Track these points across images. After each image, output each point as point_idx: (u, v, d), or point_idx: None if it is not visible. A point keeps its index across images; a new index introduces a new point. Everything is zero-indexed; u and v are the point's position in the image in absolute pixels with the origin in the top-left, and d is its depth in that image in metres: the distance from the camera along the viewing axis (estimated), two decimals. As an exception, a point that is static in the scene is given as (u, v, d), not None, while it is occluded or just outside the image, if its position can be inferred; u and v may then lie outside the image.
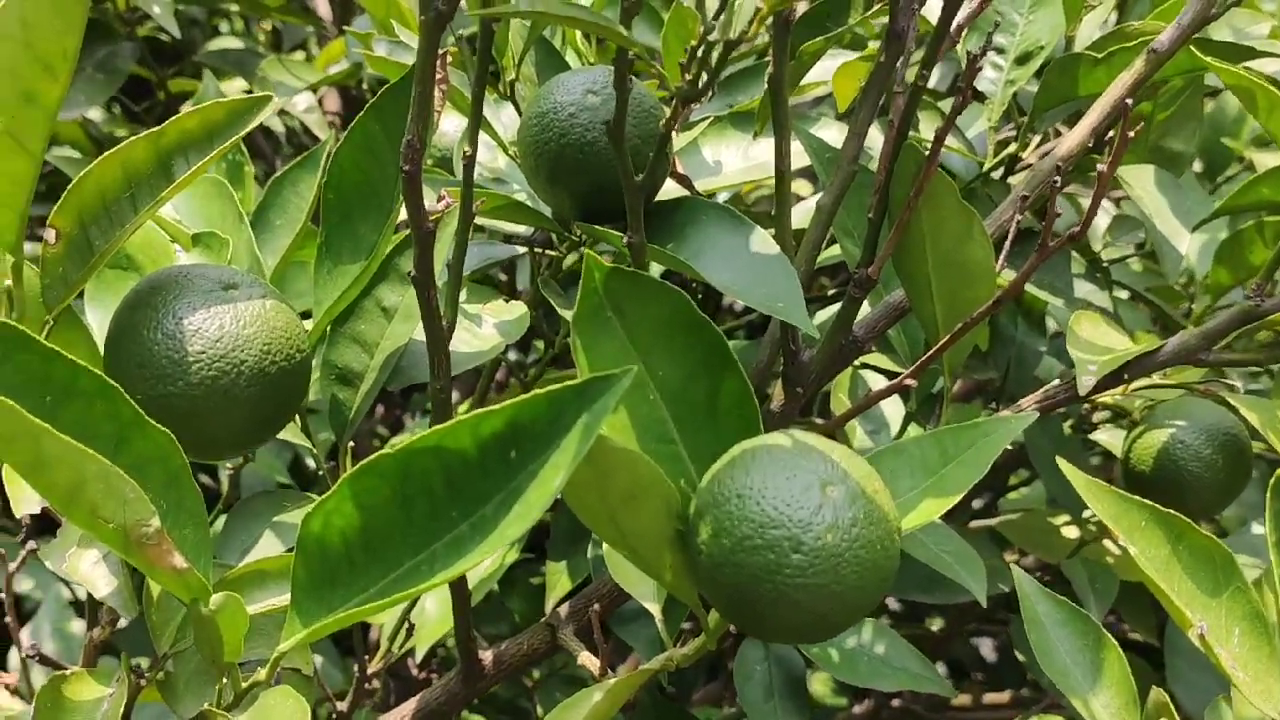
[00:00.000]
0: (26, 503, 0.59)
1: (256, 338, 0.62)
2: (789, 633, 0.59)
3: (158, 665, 0.65)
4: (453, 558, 0.56)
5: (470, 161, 0.68)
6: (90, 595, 0.65)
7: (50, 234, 0.61)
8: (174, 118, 0.61)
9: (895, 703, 1.50)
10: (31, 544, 0.70)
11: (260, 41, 1.64)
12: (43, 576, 1.37)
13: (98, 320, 0.68)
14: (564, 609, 0.88)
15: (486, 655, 0.90)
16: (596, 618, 0.71)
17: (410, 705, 0.93)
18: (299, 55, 1.50)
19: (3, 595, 0.74)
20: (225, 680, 0.61)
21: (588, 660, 0.78)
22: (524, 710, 1.34)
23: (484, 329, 0.79)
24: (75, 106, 1.22)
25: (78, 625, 1.34)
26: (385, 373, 0.77)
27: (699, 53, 0.61)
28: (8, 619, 0.77)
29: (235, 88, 1.50)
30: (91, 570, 0.58)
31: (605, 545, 0.74)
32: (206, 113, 0.62)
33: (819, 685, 1.69)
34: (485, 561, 0.64)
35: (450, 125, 1.03)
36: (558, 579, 1.03)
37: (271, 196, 0.86)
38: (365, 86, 1.43)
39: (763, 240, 0.73)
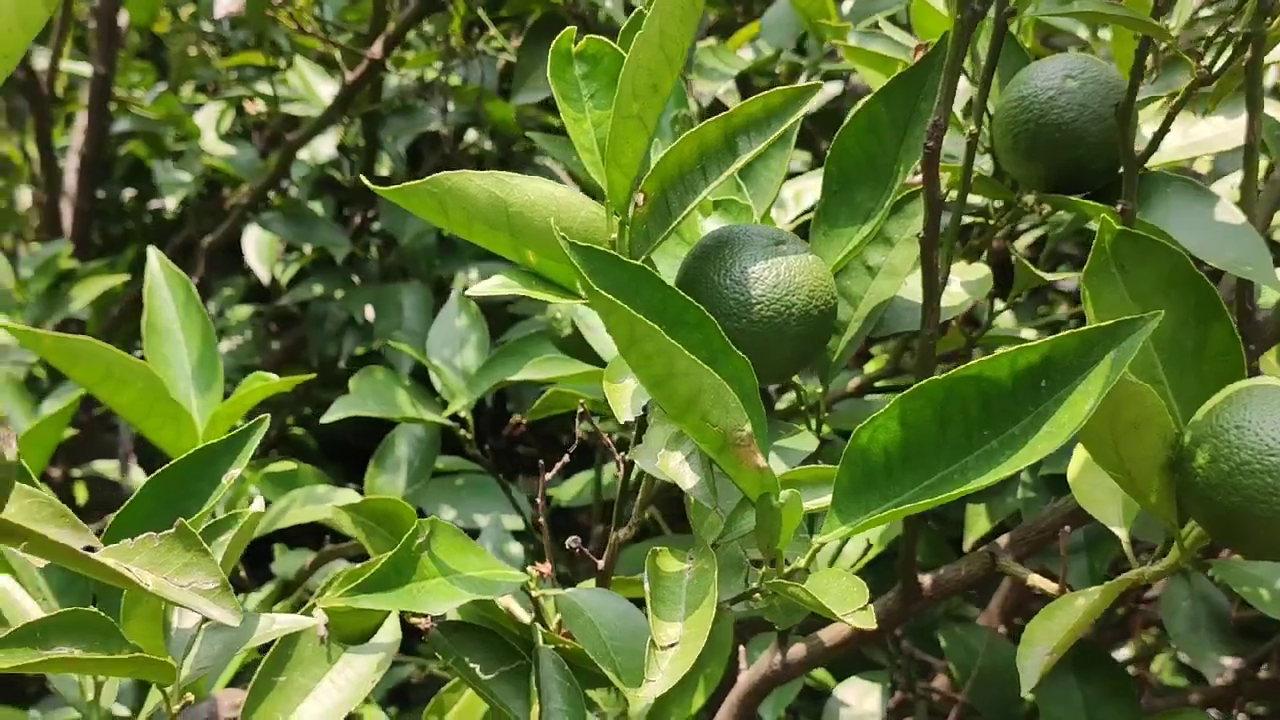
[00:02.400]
0: (628, 410, 0.74)
1: (804, 285, 0.75)
2: (1277, 550, 0.68)
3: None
4: (984, 468, 0.68)
5: (973, 140, 0.79)
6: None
7: (639, 197, 0.76)
8: (742, 103, 0.75)
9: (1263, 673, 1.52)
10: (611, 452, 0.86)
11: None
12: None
13: (664, 268, 0.83)
14: (1003, 540, 0.98)
15: (925, 579, 1.01)
16: (1064, 538, 0.81)
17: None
18: (709, 40, 1.64)
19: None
20: (769, 565, 0.75)
21: (1039, 581, 0.88)
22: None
23: (954, 287, 0.90)
24: (535, 91, 1.40)
25: (515, 547, 1.47)
26: (869, 324, 0.89)
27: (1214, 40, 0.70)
28: (540, 520, 0.94)
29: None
30: (679, 468, 0.73)
31: (1073, 474, 0.84)
32: (768, 99, 0.75)
33: (1156, 665, 1.71)
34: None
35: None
36: (976, 520, 1.14)
37: (744, 171, 1.00)
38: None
39: (1226, 209, 0.81)
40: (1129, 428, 0.68)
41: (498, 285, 0.78)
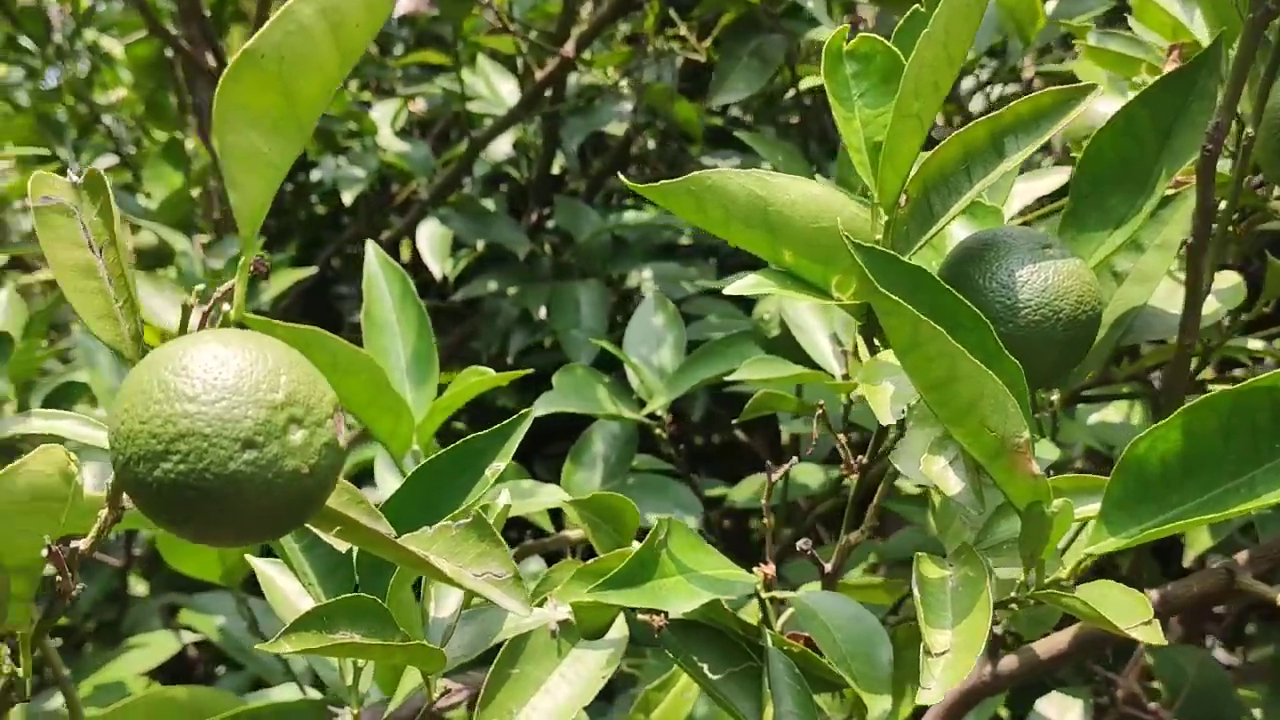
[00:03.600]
0: (888, 413, 0.73)
1: (1072, 290, 0.73)
2: None
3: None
4: (1274, 482, 0.65)
5: (1248, 144, 0.76)
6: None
7: (903, 198, 0.75)
8: (1012, 104, 0.73)
9: None
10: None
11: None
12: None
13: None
14: (1242, 556, 0.95)
15: (1152, 594, 0.98)
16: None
17: (1069, 632, 1.03)
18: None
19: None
20: (1031, 573, 0.74)
21: (1289, 601, 0.85)
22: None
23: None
24: (734, 93, 1.40)
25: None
26: (1117, 331, 0.87)
27: None
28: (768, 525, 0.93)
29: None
30: (943, 472, 0.72)
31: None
32: (1038, 100, 0.73)
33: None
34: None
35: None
36: (1198, 536, 1.10)
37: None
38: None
39: None
40: None
41: (752, 284, 0.78)
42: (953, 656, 0.66)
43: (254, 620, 1.27)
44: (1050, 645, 1.00)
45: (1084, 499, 0.73)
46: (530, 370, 1.09)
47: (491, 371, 1.09)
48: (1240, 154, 0.78)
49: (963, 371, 0.64)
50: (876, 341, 0.80)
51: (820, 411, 0.87)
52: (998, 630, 1.02)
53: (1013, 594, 0.75)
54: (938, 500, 0.82)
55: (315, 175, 2.50)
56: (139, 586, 2.03)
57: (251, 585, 1.17)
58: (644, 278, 1.92)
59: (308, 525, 0.57)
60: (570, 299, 1.81)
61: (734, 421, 1.18)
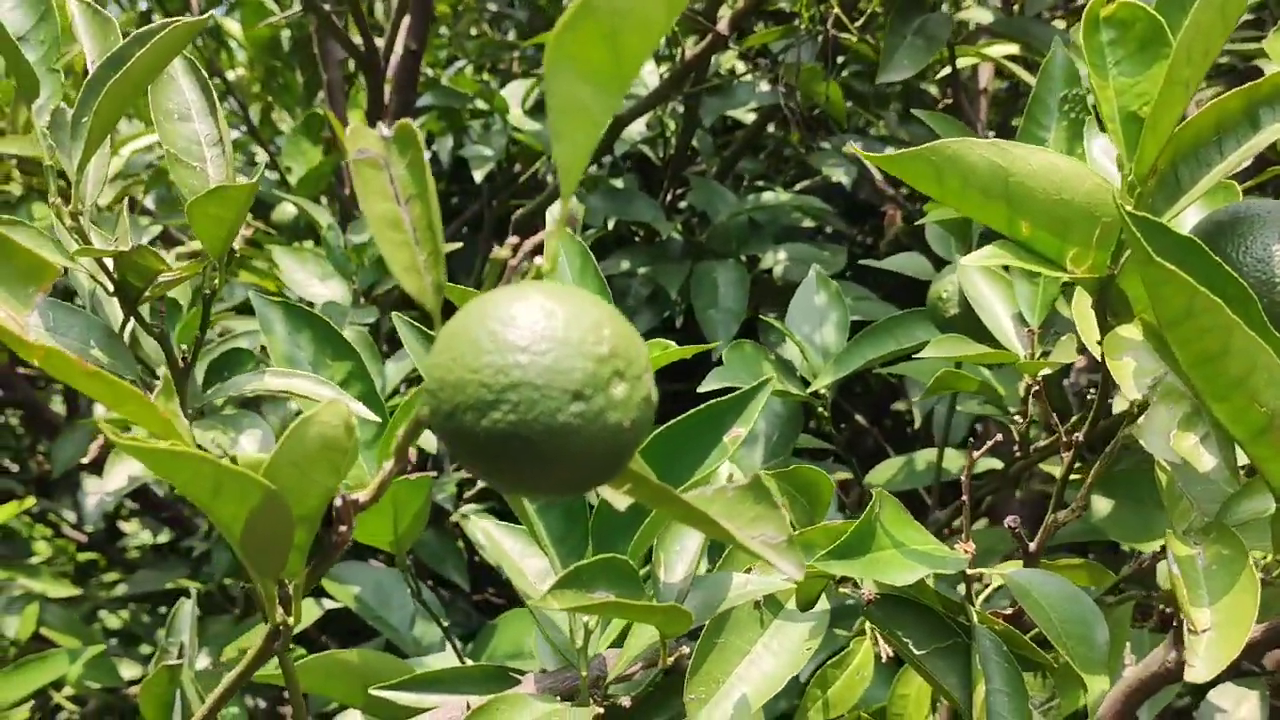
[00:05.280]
0: (1133, 388, 0.72)
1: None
2: None
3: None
4: None
5: None
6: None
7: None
8: (1271, 74, 0.72)
9: None
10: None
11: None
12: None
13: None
14: None
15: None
16: None
17: (1263, 625, 1.01)
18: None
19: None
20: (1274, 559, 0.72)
21: None
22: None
23: None
24: (900, 70, 1.39)
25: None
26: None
27: None
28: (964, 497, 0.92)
29: (999, 50, 1.64)
30: (1194, 449, 0.71)
31: None
32: (1299, 70, 0.72)
33: None
34: None
35: None
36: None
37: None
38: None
39: None
40: None
41: (988, 256, 0.77)
42: (1216, 634, 0.65)
43: (418, 588, 1.29)
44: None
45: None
46: (713, 345, 1.09)
47: (674, 344, 1.09)
48: None
49: (1236, 345, 0.63)
50: (1110, 319, 0.79)
51: (1037, 390, 0.86)
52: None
53: (1260, 576, 0.73)
54: (1164, 479, 0.80)
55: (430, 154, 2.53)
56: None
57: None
58: (779, 259, 1.91)
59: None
60: (709, 279, 1.81)
61: (902, 405, 1.17)
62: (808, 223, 2.11)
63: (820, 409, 1.29)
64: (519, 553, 0.82)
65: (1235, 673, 1.27)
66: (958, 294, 1.16)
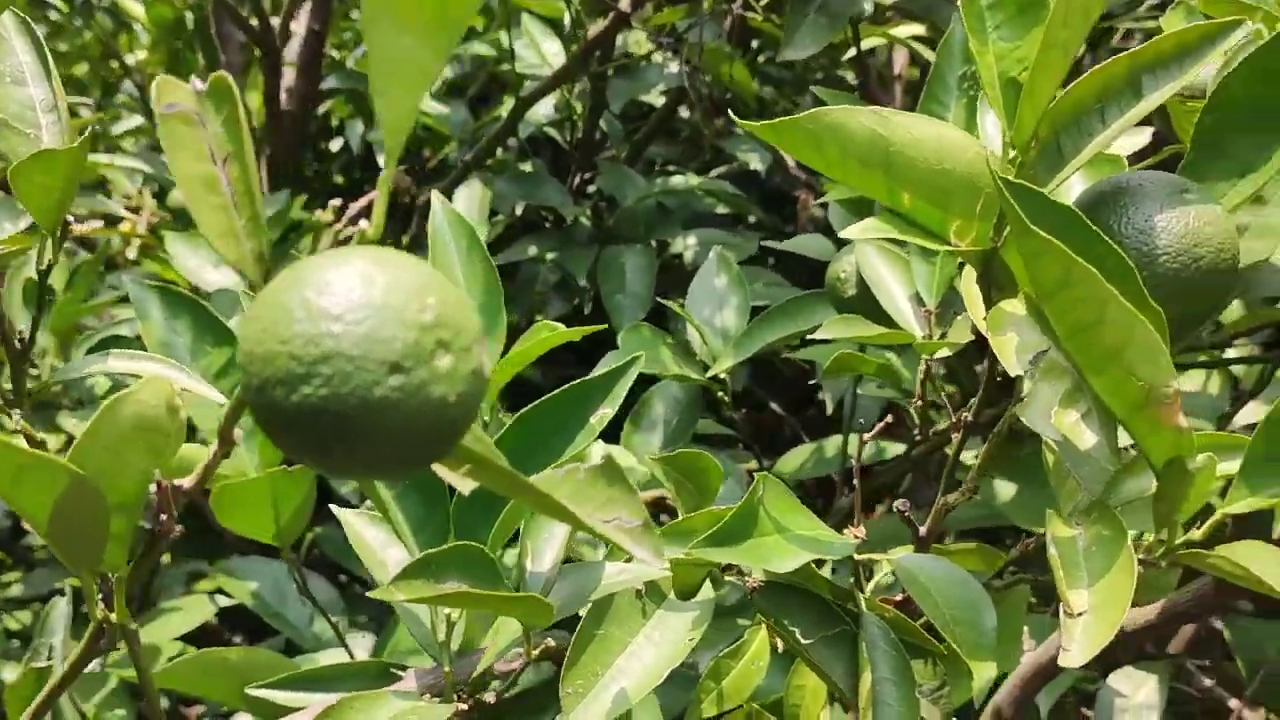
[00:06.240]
0: (1016, 364, 0.70)
1: (1212, 237, 0.70)
2: None
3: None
4: None
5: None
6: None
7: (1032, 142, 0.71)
8: (1154, 39, 0.69)
9: None
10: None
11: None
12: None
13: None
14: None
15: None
16: None
17: (1156, 605, 0.99)
18: None
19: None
20: (1164, 532, 0.70)
21: None
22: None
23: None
24: (801, 48, 1.36)
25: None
26: (1237, 287, 0.83)
27: None
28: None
29: (905, 31, 1.62)
30: (1075, 426, 0.68)
31: None
32: (1183, 35, 0.70)
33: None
34: None
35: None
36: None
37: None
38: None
39: None
40: None
41: (867, 228, 0.74)
42: (1092, 618, 0.63)
43: (304, 582, 1.24)
44: (1137, 618, 0.97)
45: (1222, 458, 0.70)
46: (603, 326, 1.05)
47: (562, 326, 1.05)
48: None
49: (1111, 316, 0.61)
50: (995, 293, 0.77)
51: (924, 371, 0.84)
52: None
53: (1140, 555, 0.71)
54: (1051, 459, 0.78)
55: (336, 144, 2.46)
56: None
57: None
58: (688, 244, 1.88)
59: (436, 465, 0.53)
60: (616, 264, 1.77)
61: (811, 382, 1.14)
62: (722, 209, 2.08)
63: (720, 394, 1.26)
64: (380, 543, 0.78)
65: (1137, 656, 1.26)
66: (855, 274, 1.13)
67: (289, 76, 2.21)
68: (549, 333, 1.07)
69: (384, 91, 0.46)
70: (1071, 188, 0.81)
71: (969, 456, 1.25)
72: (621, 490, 0.57)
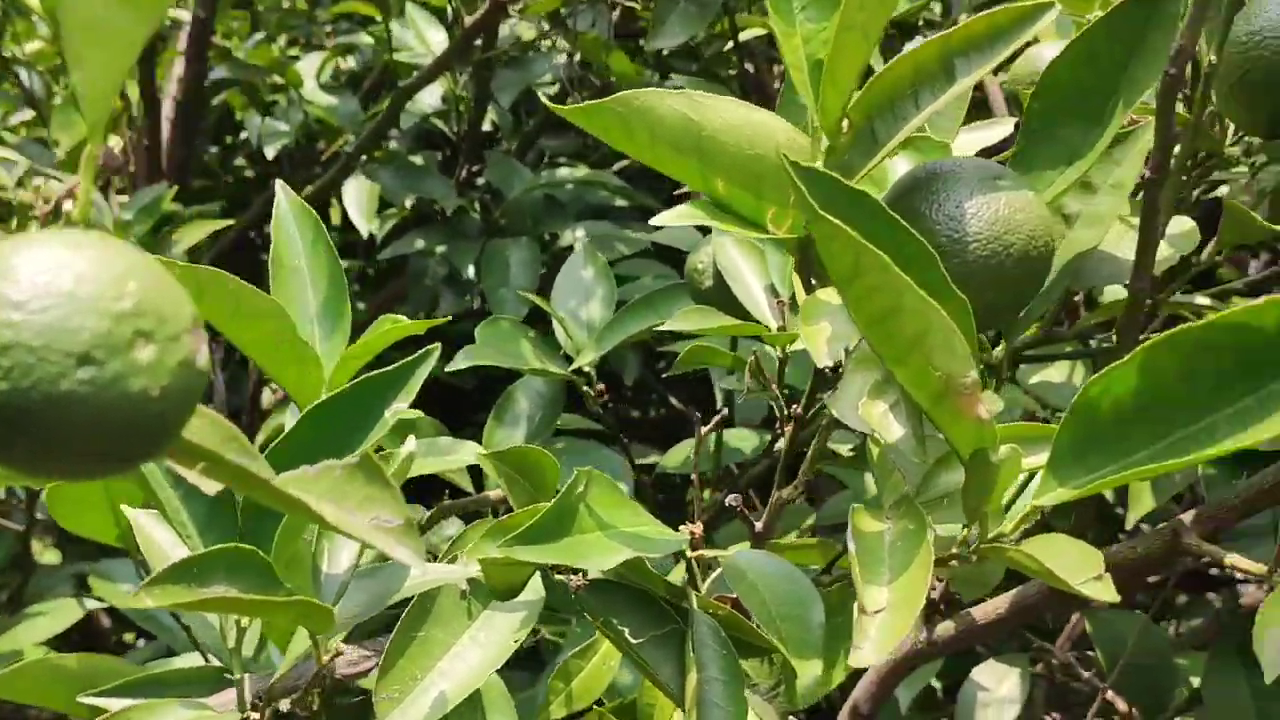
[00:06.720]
0: (826, 355, 0.68)
1: (1024, 224, 0.68)
2: None
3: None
4: (1237, 430, 0.60)
5: (1211, 72, 0.71)
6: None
7: (844, 123, 0.69)
8: (965, 22, 0.68)
9: None
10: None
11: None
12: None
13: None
14: (1187, 516, 0.90)
15: (1096, 557, 0.94)
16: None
17: (1007, 597, 0.98)
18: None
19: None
20: (974, 528, 0.69)
21: (1242, 562, 0.81)
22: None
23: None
24: (670, 37, 1.34)
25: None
26: (1065, 277, 0.82)
27: None
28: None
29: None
30: (883, 417, 0.66)
31: None
32: (994, 17, 0.68)
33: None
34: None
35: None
36: (1141, 496, 1.06)
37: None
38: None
39: None
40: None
41: (682, 215, 0.72)
42: (889, 616, 0.61)
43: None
44: (988, 611, 0.96)
45: (1031, 449, 0.68)
46: (449, 318, 1.02)
47: (405, 319, 1.02)
48: (1202, 85, 0.73)
49: (908, 305, 0.59)
50: (814, 282, 0.75)
51: (752, 361, 0.82)
52: (934, 593, 0.98)
53: (954, 550, 0.70)
54: (876, 451, 0.76)
55: (242, 135, 2.41)
56: (48, 554, 1.94)
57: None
58: (577, 236, 1.85)
59: (171, 463, 0.50)
60: (500, 257, 1.74)
61: (664, 375, 1.12)
62: (621, 202, 2.06)
63: (585, 388, 1.23)
64: (170, 544, 0.74)
65: (997, 649, 1.26)
66: (712, 265, 1.11)
67: (178, 66, 2.16)
68: (391, 325, 1.03)
69: (80, 59, 0.43)
70: (895, 175, 0.79)
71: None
72: (381, 487, 0.54)
